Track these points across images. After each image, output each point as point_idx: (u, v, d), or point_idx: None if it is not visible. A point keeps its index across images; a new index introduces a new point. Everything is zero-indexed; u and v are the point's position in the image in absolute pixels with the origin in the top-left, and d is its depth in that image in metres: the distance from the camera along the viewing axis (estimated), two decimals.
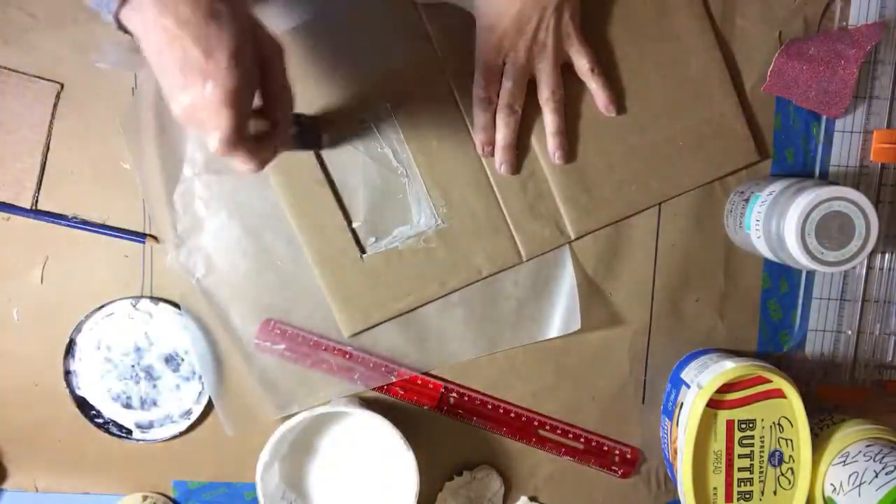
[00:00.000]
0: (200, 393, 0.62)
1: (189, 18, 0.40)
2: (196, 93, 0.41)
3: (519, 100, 0.58)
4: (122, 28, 0.43)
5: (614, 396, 0.64)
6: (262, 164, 0.45)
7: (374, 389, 0.62)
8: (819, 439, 0.57)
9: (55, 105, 0.60)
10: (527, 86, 0.58)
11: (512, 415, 0.63)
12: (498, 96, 0.58)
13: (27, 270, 0.61)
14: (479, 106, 0.58)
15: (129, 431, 0.62)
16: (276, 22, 0.58)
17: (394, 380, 0.62)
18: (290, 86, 0.47)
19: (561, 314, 0.61)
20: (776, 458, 0.56)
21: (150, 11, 0.41)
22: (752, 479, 0.56)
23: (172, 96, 0.42)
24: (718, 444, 0.56)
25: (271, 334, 0.61)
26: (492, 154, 0.59)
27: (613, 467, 0.64)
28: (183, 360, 0.62)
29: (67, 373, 0.61)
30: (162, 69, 0.42)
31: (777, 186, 0.56)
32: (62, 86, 0.59)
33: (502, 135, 0.58)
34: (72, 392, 0.61)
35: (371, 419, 0.57)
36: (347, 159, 0.60)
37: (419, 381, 0.63)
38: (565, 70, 0.58)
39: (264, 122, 0.47)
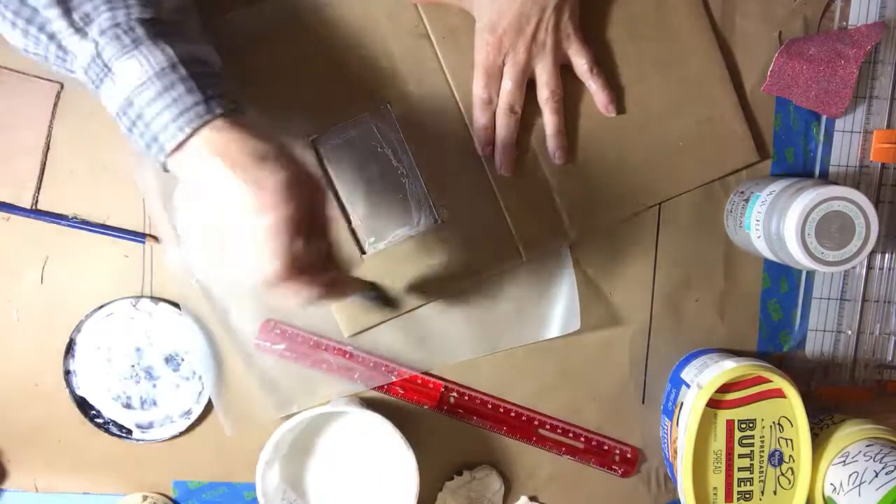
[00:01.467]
0: (200, 393, 0.62)
1: (240, 162, 0.42)
2: (250, 226, 0.42)
3: (519, 100, 0.58)
4: (166, 170, 0.45)
5: (614, 396, 0.64)
6: (318, 294, 0.46)
7: (374, 389, 0.62)
8: (819, 439, 0.57)
9: (55, 105, 0.60)
10: (526, 86, 0.58)
11: (512, 414, 0.63)
12: (498, 96, 0.58)
13: (27, 270, 0.61)
14: (479, 106, 0.58)
15: (129, 431, 0.62)
16: (277, 23, 0.58)
17: (394, 380, 0.62)
18: (333, 218, 0.48)
19: (561, 314, 0.61)
20: (776, 458, 0.56)
21: (204, 157, 0.43)
22: (752, 478, 0.56)
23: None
24: (718, 443, 0.56)
25: (271, 334, 0.61)
26: (492, 154, 0.59)
27: (613, 467, 0.64)
28: (183, 360, 0.62)
29: (67, 373, 0.61)
30: (215, 208, 0.44)
31: (777, 186, 0.56)
32: (62, 86, 0.59)
33: (502, 135, 0.58)
34: (72, 392, 0.61)
35: (371, 419, 0.57)
36: (347, 159, 0.60)
37: (419, 381, 0.63)
38: (565, 70, 0.58)
39: (316, 249, 0.47)
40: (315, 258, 0.46)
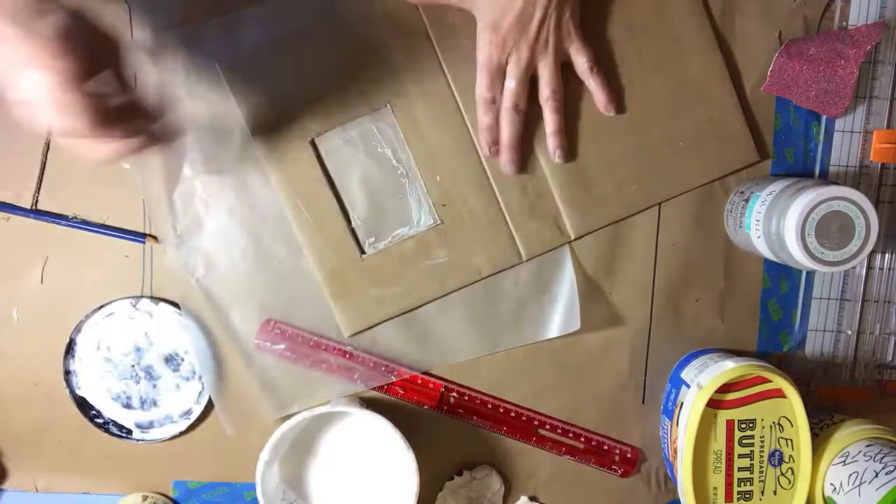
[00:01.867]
0: (200, 393, 0.62)
1: (12, 11, 0.39)
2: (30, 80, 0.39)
3: (522, 99, 0.57)
4: None
5: (614, 396, 0.64)
6: (128, 148, 0.44)
7: (374, 389, 0.62)
8: (819, 439, 0.57)
9: None
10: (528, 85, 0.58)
11: (512, 414, 0.63)
12: (501, 96, 0.58)
13: (27, 270, 0.61)
14: (483, 106, 0.58)
15: (129, 431, 0.62)
16: (277, 24, 0.58)
17: (394, 380, 0.62)
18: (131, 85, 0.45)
19: (561, 314, 0.61)
20: (776, 458, 0.56)
21: None
22: (752, 478, 0.56)
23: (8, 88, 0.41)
24: (718, 443, 0.56)
25: (271, 334, 0.61)
26: (497, 154, 0.59)
27: (613, 467, 0.64)
28: (183, 360, 0.62)
29: (67, 373, 0.61)
30: None
31: (777, 186, 0.56)
32: None
33: (507, 135, 0.58)
34: (72, 392, 0.61)
35: (371, 419, 0.57)
36: (347, 159, 0.60)
37: (419, 381, 0.63)
38: (565, 69, 0.58)
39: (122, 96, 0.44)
40: (119, 113, 0.43)
